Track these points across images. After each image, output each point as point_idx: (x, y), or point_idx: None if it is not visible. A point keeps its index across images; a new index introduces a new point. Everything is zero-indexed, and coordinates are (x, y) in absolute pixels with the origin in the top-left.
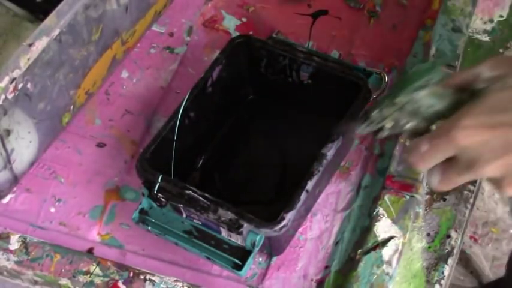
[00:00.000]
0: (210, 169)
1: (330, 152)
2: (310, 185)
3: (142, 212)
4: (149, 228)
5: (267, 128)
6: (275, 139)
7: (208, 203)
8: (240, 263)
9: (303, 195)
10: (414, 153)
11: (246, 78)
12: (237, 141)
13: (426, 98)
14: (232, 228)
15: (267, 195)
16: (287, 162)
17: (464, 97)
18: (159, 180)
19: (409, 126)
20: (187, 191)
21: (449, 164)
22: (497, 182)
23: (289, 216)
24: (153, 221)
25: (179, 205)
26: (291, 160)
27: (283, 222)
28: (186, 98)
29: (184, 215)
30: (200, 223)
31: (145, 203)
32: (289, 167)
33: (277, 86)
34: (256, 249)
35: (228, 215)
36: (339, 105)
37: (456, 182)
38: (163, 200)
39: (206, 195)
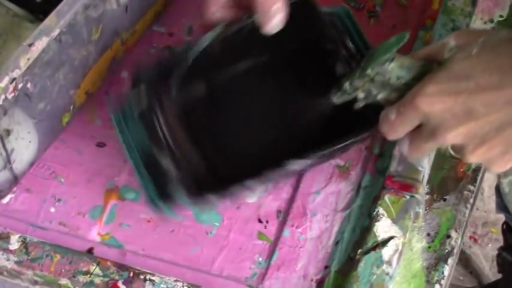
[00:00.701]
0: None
1: None
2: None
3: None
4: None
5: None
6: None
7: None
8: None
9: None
10: (384, 123)
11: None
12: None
13: (395, 69)
14: None
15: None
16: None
17: (432, 68)
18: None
19: (380, 96)
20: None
21: (417, 132)
22: (460, 150)
23: None
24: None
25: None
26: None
27: None
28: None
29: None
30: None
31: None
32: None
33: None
34: None
35: None
36: None
37: (424, 150)
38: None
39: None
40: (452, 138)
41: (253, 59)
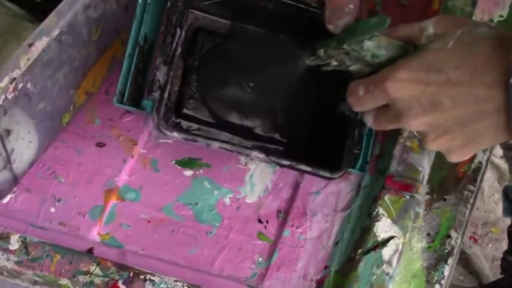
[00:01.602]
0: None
1: None
2: None
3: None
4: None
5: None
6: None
7: None
8: None
9: None
10: (351, 95)
11: None
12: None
13: (371, 48)
14: None
15: None
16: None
17: (408, 51)
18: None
19: (352, 68)
20: None
21: (381, 110)
22: (421, 136)
23: None
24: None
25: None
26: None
27: None
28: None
29: None
30: None
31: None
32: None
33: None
34: None
35: None
36: None
37: (386, 127)
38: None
39: None
40: (415, 125)
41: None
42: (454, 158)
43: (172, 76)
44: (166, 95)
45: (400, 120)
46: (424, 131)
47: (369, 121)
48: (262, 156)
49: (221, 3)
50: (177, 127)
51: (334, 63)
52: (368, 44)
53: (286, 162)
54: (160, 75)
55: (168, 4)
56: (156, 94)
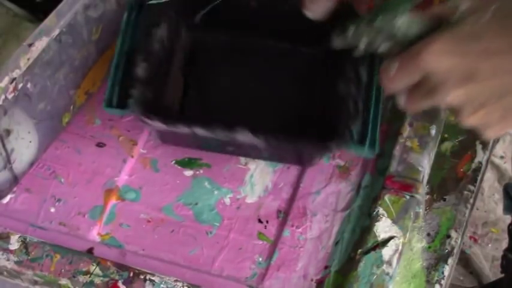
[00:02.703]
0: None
1: None
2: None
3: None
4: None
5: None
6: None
7: None
8: None
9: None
10: (384, 74)
11: None
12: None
13: (404, 25)
14: None
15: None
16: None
17: (440, 28)
18: None
19: (382, 47)
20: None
21: (416, 87)
22: (457, 111)
23: None
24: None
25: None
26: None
27: None
28: None
29: None
30: None
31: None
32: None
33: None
34: None
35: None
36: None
37: (421, 106)
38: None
39: None
40: (452, 98)
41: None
42: (492, 133)
43: (155, 72)
44: (147, 87)
45: (436, 94)
46: (460, 105)
47: (402, 101)
48: (248, 137)
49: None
50: (159, 117)
51: (363, 43)
52: (400, 21)
53: (274, 140)
54: (139, 71)
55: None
56: (137, 89)
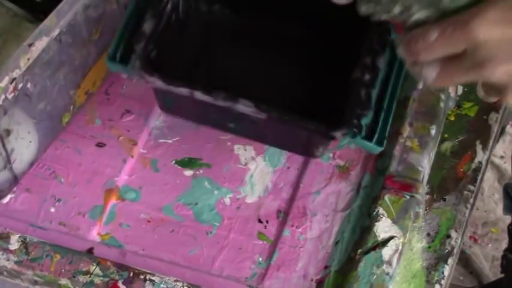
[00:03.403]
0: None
1: None
2: None
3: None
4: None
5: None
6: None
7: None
8: None
9: None
10: (420, 39)
11: None
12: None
13: None
14: None
15: None
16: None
17: None
18: None
19: (417, 16)
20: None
21: (455, 60)
22: (502, 89)
23: None
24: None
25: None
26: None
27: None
28: None
29: None
30: None
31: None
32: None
33: None
34: None
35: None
36: None
37: (457, 81)
38: None
39: None
40: (501, 74)
41: None
42: None
43: (163, 32)
44: (152, 44)
45: (483, 69)
46: (506, 81)
47: (431, 75)
48: (249, 108)
49: None
50: (159, 73)
51: (397, 9)
52: None
53: (276, 114)
54: (147, 26)
55: None
56: (142, 43)
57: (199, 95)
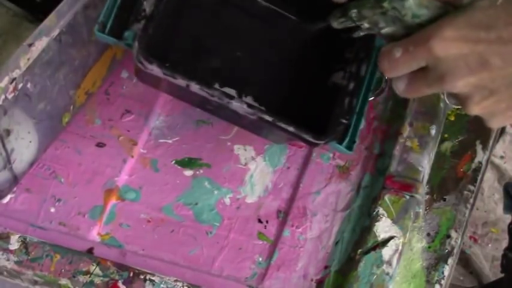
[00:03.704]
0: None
1: None
2: None
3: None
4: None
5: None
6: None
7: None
8: None
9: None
10: (386, 58)
11: None
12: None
13: (413, 7)
14: None
15: None
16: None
17: (448, 12)
18: None
19: (386, 31)
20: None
21: (419, 73)
22: (463, 99)
23: None
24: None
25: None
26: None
27: None
28: None
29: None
30: None
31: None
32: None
33: None
34: None
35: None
36: None
37: (423, 93)
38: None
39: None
40: (460, 87)
41: None
42: (496, 122)
43: (163, 14)
44: (151, 25)
45: (443, 82)
46: (468, 93)
47: (401, 87)
48: (244, 106)
49: None
50: (158, 61)
51: (366, 25)
52: (410, 2)
53: (269, 118)
54: (147, 5)
55: None
56: (141, 24)
57: (196, 89)
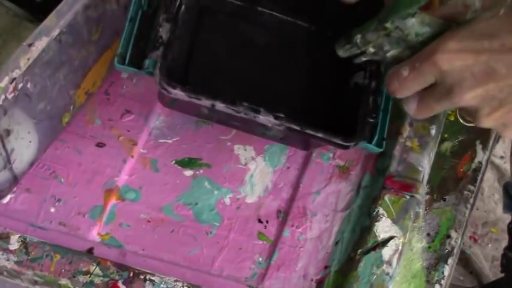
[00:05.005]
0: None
1: None
2: None
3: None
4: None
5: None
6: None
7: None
8: None
9: None
10: (394, 79)
11: None
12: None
13: (415, 25)
14: None
15: None
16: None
17: (451, 28)
18: None
19: (391, 53)
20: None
21: (428, 91)
22: (474, 113)
23: None
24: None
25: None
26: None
27: None
28: None
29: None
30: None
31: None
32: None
33: None
34: None
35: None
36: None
37: (434, 110)
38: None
39: None
40: (469, 99)
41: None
42: (510, 133)
43: (179, 37)
44: (170, 51)
45: (452, 96)
46: (477, 105)
47: (412, 107)
48: (270, 118)
49: None
50: (181, 86)
51: (371, 49)
52: (412, 21)
53: (296, 127)
54: (163, 32)
55: None
56: (159, 51)
57: (222, 107)
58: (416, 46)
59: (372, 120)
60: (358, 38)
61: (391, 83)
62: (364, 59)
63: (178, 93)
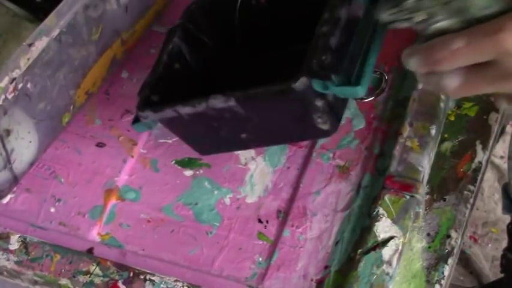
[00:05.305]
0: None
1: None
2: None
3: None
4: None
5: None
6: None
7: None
8: None
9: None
10: (444, 48)
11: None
12: None
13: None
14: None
15: None
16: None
17: None
18: None
19: (440, 24)
20: None
21: (479, 69)
22: None
23: None
24: None
25: None
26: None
27: None
28: None
29: None
30: None
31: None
32: None
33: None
34: None
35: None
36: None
37: (481, 91)
38: None
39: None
40: None
41: None
42: None
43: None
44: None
45: (509, 81)
46: None
47: (453, 84)
48: (219, 100)
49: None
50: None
51: (420, 17)
52: None
53: (240, 93)
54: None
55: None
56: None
57: (182, 110)
58: (471, 21)
59: (320, 58)
60: (410, 3)
61: (436, 52)
62: (403, 25)
63: (150, 115)
